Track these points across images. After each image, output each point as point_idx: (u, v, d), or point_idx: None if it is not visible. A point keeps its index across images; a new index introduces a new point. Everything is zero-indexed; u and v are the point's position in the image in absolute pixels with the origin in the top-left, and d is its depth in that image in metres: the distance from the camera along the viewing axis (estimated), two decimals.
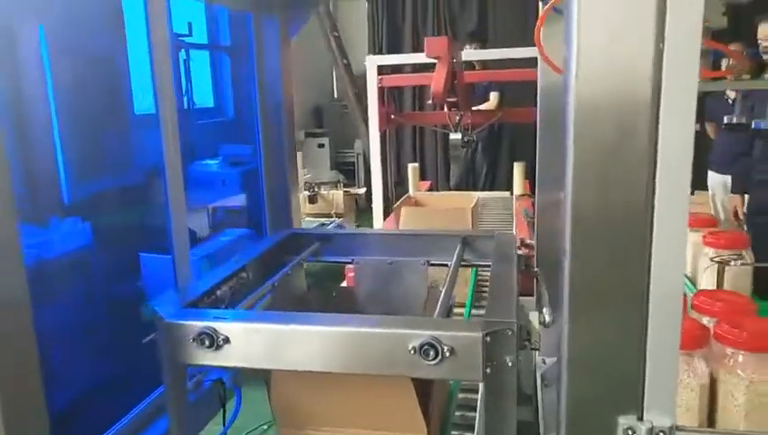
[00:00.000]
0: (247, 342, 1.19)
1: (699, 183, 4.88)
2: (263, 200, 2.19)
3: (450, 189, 6.06)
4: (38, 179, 3.46)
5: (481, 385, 1.24)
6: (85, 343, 3.25)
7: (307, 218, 5.79)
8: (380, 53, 7.32)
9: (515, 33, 6.96)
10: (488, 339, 1.10)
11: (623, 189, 0.91)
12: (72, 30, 3.31)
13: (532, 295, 1.97)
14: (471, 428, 1.61)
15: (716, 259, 1.93)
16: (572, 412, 1.05)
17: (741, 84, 2.04)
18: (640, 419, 0.96)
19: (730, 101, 4.08)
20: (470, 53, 5.04)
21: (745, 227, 3.96)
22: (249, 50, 2.15)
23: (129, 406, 1.69)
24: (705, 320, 1.49)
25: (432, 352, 1.09)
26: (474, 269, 1.98)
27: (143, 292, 3.41)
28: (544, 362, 1.76)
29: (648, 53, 0.81)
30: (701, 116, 4.65)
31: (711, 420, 1.36)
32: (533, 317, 1.26)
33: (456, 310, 2.10)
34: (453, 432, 1.62)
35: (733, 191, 4.37)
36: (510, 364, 1.13)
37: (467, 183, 6.08)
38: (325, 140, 8.02)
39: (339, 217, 5.87)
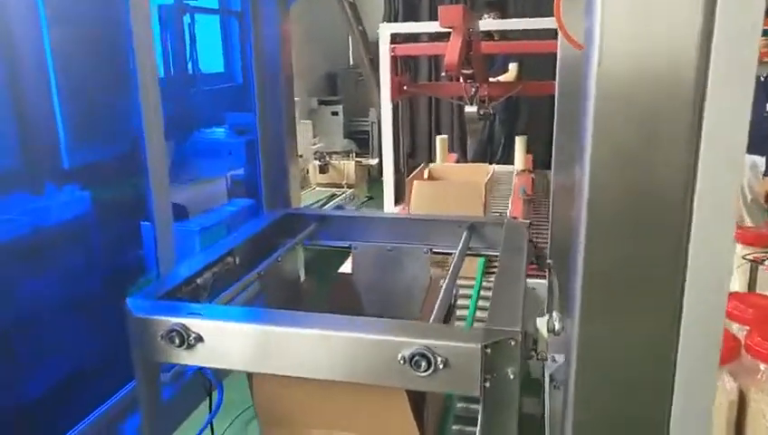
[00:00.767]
0: (221, 342, 1.08)
1: None
2: (259, 176, 2.07)
3: (467, 162, 5.89)
4: (35, 143, 3.35)
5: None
6: (82, 315, 3.17)
7: (317, 188, 5.68)
8: (396, 20, 7.08)
9: (536, 1, 6.68)
10: (488, 350, 0.98)
11: (656, 175, 0.77)
12: None
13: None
14: None
15: (748, 257, 1.76)
16: (582, 428, 0.93)
17: None
18: None
19: (762, 78, 3.84)
20: (488, 23, 4.80)
21: None
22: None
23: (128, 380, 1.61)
24: (735, 328, 1.35)
25: (424, 363, 0.97)
26: (482, 259, 1.84)
27: (144, 263, 3.32)
28: (554, 360, 1.63)
29: (693, 27, 0.66)
30: None
31: None
32: (541, 323, 1.13)
33: (464, 302, 1.96)
34: None
35: (766, 174, 4.12)
36: (512, 377, 1.01)
37: (484, 156, 5.89)
38: (339, 108, 7.83)
39: (350, 188, 5.74)
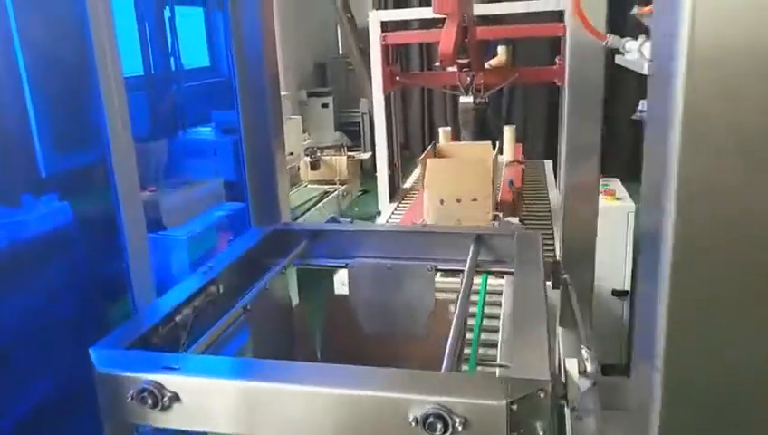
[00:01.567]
0: (201, 401, 0.92)
1: None
2: (246, 188, 1.91)
3: None
4: (9, 150, 3.16)
5: None
6: (63, 333, 3.00)
7: (309, 186, 5.51)
8: (386, 7, 6.87)
9: None
10: (514, 407, 0.83)
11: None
12: None
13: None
14: None
15: None
16: None
17: None
18: None
19: None
20: (484, 7, 4.59)
21: None
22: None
23: None
24: None
25: (440, 426, 0.82)
26: (484, 276, 1.68)
27: (128, 277, 3.14)
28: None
29: None
30: None
31: None
32: (572, 365, 0.98)
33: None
34: None
35: None
36: (541, 433, 0.87)
37: None
38: (329, 100, 7.63)
39: (342, 184, 5.57)
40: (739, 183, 0.61)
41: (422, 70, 6.88)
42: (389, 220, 3.44)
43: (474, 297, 1.86)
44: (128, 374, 0.94)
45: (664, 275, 0.68)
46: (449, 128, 4.47)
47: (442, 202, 2.75)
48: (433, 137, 7.17)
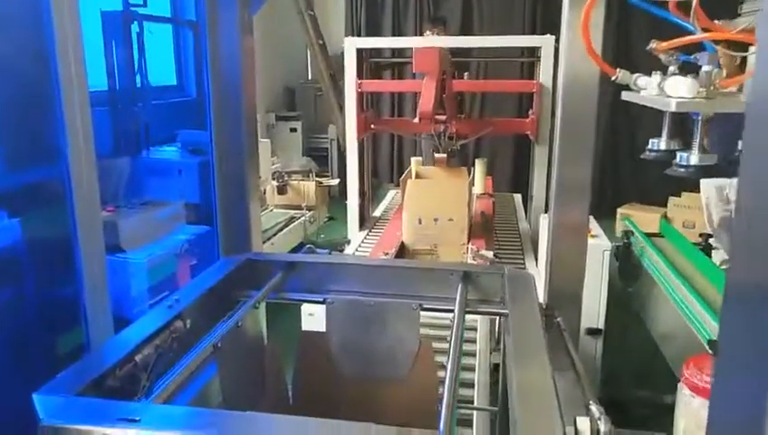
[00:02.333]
0: None
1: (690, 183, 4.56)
2: (215, 204, 1.79)
3: None
4: None
5: None
6: (10, 360, 2.76)
7: (275, 210, 5.37)
8: (359, 34, 6.86)
9: (501, 19, 6.58)
10: None
11: None
12: None
13: None
14: None
15: None
16: None
17: None
18: None
19: None
20: (433, 40, 4.60)
21: None
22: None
23: None
24: None
25: None
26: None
27: (82, 304, 2.94)
28: None
29: None
30: None
31: None
32: (583, 424, 0.89)
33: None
34: None
35: None
36: None
37: None
38: (297, 124, 7.53)
39: (310, 210, 5.44)
40: None
41: (393, 113, 6.95)
42: (359, 248, 3.36)
43: (444, 332, 1.76)
44: (78, 427, 0.81)
45: None
46: (420, 157, 4.44)
47: (420, 221, 2.83)
48: (402, 164, 7.14)
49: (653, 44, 1.06)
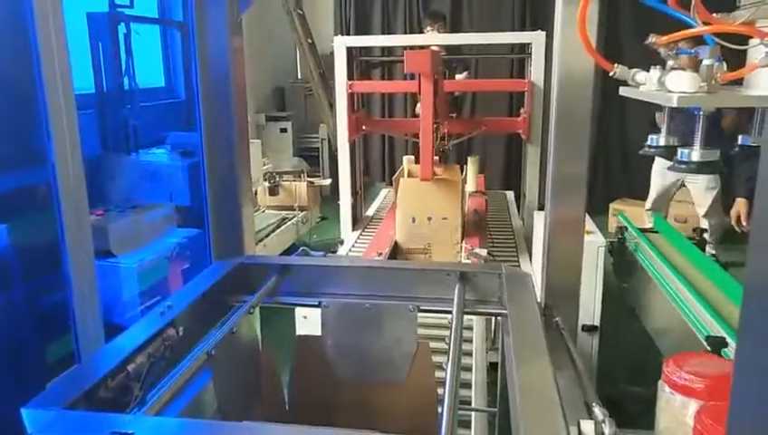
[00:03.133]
0: None
1: None
2: (206, 206, 1.76)
3: None
4: None
5: None
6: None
7: (267, 211, 5.33)
8: (348, 33, 6.83)
9: (491, 15, 6.57)
10: None
11: None
12: None
13: None
14: None
15: None
16: None
17: None
18: None
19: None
20: (435, 38, 4.56)
21: None
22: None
23: None
24: None
25: None
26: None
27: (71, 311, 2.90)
28: None
29: None
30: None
31: None
32: (587, 428, 0.87)
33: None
34: None
35: (737, 194, 4.02)
36: None
37: None
38: (288, 124, 7.48)
39: (302, 210, 5.41)
40: None
41: (383, 109, 6.92)
42: (353, 248, 3.33)
43: (441, 331, 1.74)
44: None
45: None
46: (413, 156, 4.43)
47: (414, 220, 2.85)
48: (393, 162, 7.12)
49: (652, 38, 1.04)
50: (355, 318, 1.39)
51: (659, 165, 4.35)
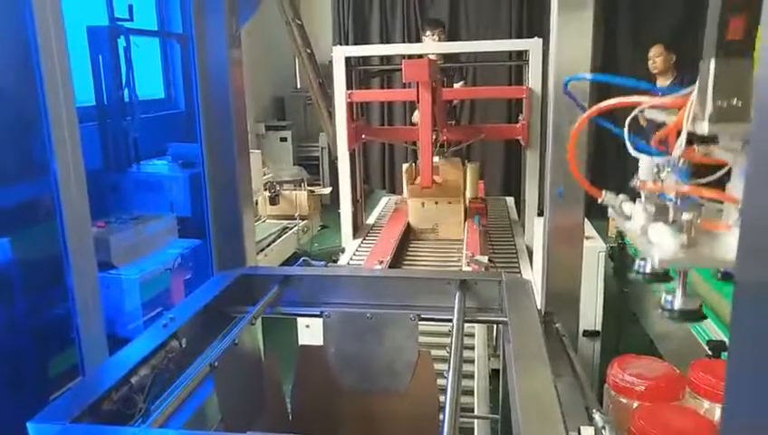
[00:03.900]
0: None
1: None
2: (207, 216, 1.77)
3: None
4: None
5: None
6: (1, 383, 2.73)
7: (268, 221, 5.35)
8: (347, 42, 6.86)
9: (489, 23, 6.61)
10: None
11: None
12: None
13: None
14: None
15: None
16: None
17: None
18: None
19: None
20: (434, 46, 4.58)
21: None
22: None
23: None
24: None
25: None
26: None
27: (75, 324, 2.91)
28: None
29: None
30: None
31: None
32: (588, 433, 0.88)
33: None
34: None
35: None
36: None
37: None
38: (287, 134, 7.51)
39: (303, 219, 5.42)
40: None
41: (383, 114, 6.95)
42: (354, 257, 3.34)
43: (442, 339, 1.75)
44: None
45: None
46: (412, 163, 4.45)
47: (423, 205, 3.40)
48: (393, 170, 7.14)
49: (636, 181, 1.03)
50: (357, 328, 1.40)
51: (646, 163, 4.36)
